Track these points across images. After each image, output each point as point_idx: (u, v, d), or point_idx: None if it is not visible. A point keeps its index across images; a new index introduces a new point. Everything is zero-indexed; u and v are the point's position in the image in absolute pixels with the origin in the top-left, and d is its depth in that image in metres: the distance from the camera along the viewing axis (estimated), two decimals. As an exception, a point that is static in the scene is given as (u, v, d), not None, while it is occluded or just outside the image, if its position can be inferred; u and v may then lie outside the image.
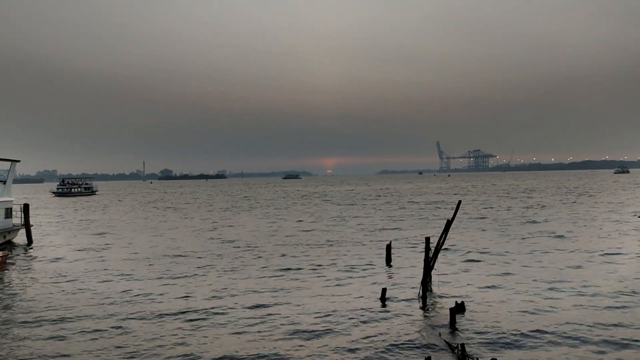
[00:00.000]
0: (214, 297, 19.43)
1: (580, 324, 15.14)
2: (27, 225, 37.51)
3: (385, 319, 16.21)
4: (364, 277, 22.68)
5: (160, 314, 17.12)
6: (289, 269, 25.02)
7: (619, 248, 28.54)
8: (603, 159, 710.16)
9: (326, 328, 15.35)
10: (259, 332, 15.11)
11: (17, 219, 39.25)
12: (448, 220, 18.89)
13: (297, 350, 13.59)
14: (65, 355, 13.47)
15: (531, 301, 17.83)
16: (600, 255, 26.47)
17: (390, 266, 25.04)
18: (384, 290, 18.72)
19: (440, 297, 18.70)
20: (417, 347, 13.58)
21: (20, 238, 38.58)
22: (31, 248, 34.48)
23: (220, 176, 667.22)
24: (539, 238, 33.76)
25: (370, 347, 13.72)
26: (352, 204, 76.89)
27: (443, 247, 21.10)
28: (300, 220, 51.73)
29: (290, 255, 29.31)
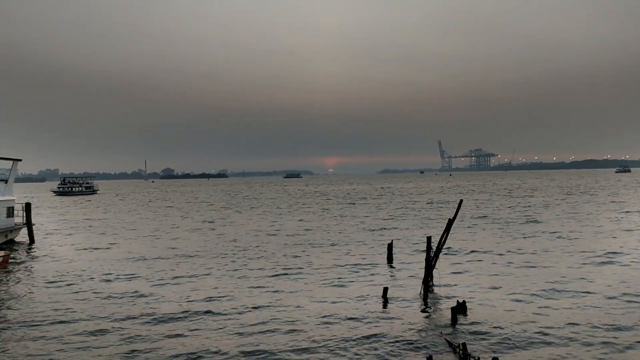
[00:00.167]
0: (214, 297, 19.43)
1: (583, 325, 15.10)
2: (28, 224, 37.55)
3: (386, 318, 16.20)
4: (365, 276, 22.67)
5: (162, 314, 17.12)
6: (290, 268, 25.01)
7: (621, 247, 28.44)
8: (605, 158, 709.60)
9: (327, 327, 15.34)
10: (260, 332, 15.10)
11: (18, 217, 39.30)
12: (449, 219, 18.87)
13: (298, 349, 13.59)
14: (66, 356, 13.49)
15: (533, 301, 17.80)
16: (604, 255, 26.36)
17: (392, 265, 25.02)
18: (385, 290, 18.71)
19: (442, 296, 18.68)
20: (419, 347, 13.56)
21: (21, 237, 38.63)
22: (33, 247, 34.52)
23: (221, 175, 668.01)
24: (541, 237, 33.72)
25: (371, 346, 13.71)
26: (353, 203, 76.86)
27: (444, 247, 21.08)
28: (301, 220, 51.73)
29: (291, 254, 29.30)
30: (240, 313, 17.05)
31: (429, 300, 18.08)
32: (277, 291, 20.10)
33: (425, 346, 13.59)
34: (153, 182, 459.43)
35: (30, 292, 20.70)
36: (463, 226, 40.72)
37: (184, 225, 48.45)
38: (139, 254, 30.52)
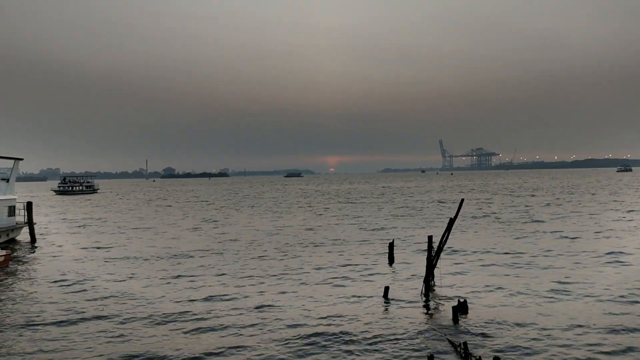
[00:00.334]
0: (216, 297, 19.43)
1: (585, 325, 15.07)
2: (30, 223, 37.59)
3: (387, 317, 16.20)
4: (366, 275, 22.67)
5: (162, 314, 17.13)
6: (291, 267, 25.03)
7: (626, 247, 28.32)
8: (606, 157, 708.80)
9: (328, 327, 15.34)
10: (260, 332, 15.11)
11: (20, 216, 39.35)
12: (451, 218, 18.86)
13: (300, 348, 13.60)
14: (67, 356, 13.51)
15: (534, 301, 17.78)
16: (607, 254, 26.24)
17: (393, 265, 25.02)
18: (386, 289, 18.71)
19: (443, 295, 18.68)
20: (420, 346, 13.56)
21: (23, 236, 38.68)
22: (34, 246, 34.57)
23: (222, 174, 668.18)
24: (543, 237, 33.69)
25: (372, 345, 13.71)
26: (355, 203, 76.86)
27: (446, 246, 21.07)
28: (301, 219, 51.74)
29: (291, 253, 29.32)
30: (240, 314, 17.06)
31: (430, 300, 18.08)
32: (279, 292, 20.10)
33: (426, 345, 13.58)
34: (154, 181, 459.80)
35: (31, 292, 20.72)
36: (464, 225, 40.70)
37: (184, 225, 48.48)
38: (139, 253, 30.55)
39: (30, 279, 23.44)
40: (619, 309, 16.51)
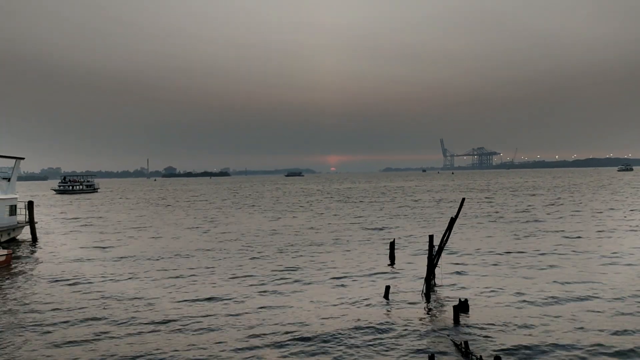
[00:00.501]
0: (216, 298, 19.43)
1: (586, 325, 15.08)
2: (31, 222, 37.63)
3: (388, 316, 16.20)
4: (367, 274, 22.66)
5: (162, 314, 17.15)
6: (291, 267, 25.03)
7: (629, 247, 28.28)
8: (607, 156, 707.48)
9: (329, 326, 15.34)
10: (260, 332, 15.12)
11: (21, 216, 39.39)
12: (452, 218, 18.85)
13: (300, 347, 13.60)
14: (69, 356, 13.52)
15: (535, 301, 17.76)
16: (609, 254, 26.16)
17: (394, 264, 25.01)
18: (387, 288, 18.70)
19: (444, 294, 18.67)
20: (421, 345, 13.55)
21: (24, 235, 38.72)
22: (35, 246, 34.60)
23: (223, 174, 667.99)
24: (545, 237, 33.66)
25: (373, 344, 13.71)
26: (355, 202, 76.85)
27: (446, 245, 21.06)
28: (301, 218, 51.74)
29: (292, 253, 29.32)
30: (240, 314, 17.06)
31: (431, 299, 18.07)
32: (279, 292, 20.10)
33: (427, 344, 13.58)
34: (155, 180, 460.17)
35: (33, 292, 20.75)
36: (465, 225, 40.68)
37: (184, 224, 48.50)
38: (140, 252, 30.57)
39: (31, 278, 23.46)
40: (621, 309, 16.49)
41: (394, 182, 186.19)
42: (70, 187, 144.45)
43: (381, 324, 15.43)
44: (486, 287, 19.65)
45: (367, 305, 17.55)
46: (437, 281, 20.00)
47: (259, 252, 29.61)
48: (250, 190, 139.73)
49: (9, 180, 37.43)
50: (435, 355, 12.49)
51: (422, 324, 15.38)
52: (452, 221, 18.80)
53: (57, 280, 22.65)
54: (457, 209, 19.77)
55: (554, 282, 20.29)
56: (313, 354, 13.11)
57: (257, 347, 13.67)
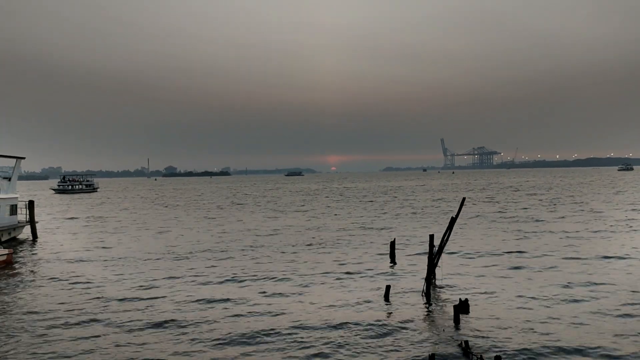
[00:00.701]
0: (217, 298, 19.43)
1: (588, 326, 15.06)
2: (32, 222, 37.67)
3: (389, 316, 16.20)
4: (368, 274, 22.67)
5: (162, 315, 17.16)
6: (292, 267, 25.04)
7: (632, 247, 28.24)
8: (608, 156, 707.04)
9: (330, 326, 15.34)
10: (260, 332, 15.12)
11: (22, 215, 39.42)
12: (452, 217, 18.85)
13: (302, 347, 13.60)
14: (69, 356, 13.53)
15: (536, 301, 17.76)
16: (611, 255, 26.07)
17: (395, 263, 25.00)
18: (388, 287, 18.70)
19: (444, 294, 18.67)
20: (421, 345, 13.56)
21: (24, 235, 38.74)
22: (36, 245, 34.62)
23: (224, 173, 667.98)
24: (546, 237, 33.64)
25: (374, 343, 13.71)
26: (356, 202, 76.83)
27: (447, 245, 21.05)
28: (301, 219, 51.74)
29: (292, 253, 29.33)
30: (241, 314, 17.07)
31: (431, 299, 18.06)
32: (279, 292, 20.10)
33: (427, 344, 13.57)
34: (156, 180, 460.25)
35: (34, 291, 20.76)
36: (466, 224, 40.67)
37: (184, 224, 48.51)
38: (140, 252, 30.58)
39: (32, 277, 23.48)
40: (622, 311, 16.47)
41: (394, 182, 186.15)
42: (70, 187, 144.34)
43: (382, 323, 15.43)
44: (487, 287, 19.64)
45: (367, 304, 17.55)
46: (438, 281, 19.99)
47: (259, 252, 29.61)
48: (251, 190, 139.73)
49: (9, 180, 37.46)
50: (436, 355, 12.49)
51: (423, 323, 15.38)
52: (453, 221, 18.80)
53: (57, 280, 22.67)
54: (457, 209, 19.76)
55: (555, 282, 20.28)
56: (313, 354, 13.11)
57: (257, 347, 13.68)
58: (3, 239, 35.11)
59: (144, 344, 14.01)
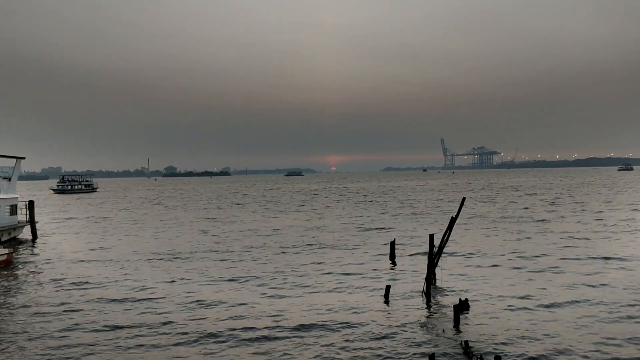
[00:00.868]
0: (217, 298, 19.44)
1: (588, 326, 15.07)
2: (32, 222, 37.66)
3: (389, 315, 16.20)
4: (368, 274, 22.66)
5: (164, 316, 17.16)
6: (292, 267, 25.04)
7: (634, 248, 28.20)
8: (608, 156, 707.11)
9: (330, 325, 15.35)
10: (259, 332, 15.12)
11: (22, 215, 39.41)
12: (452, 217, 18.85)
13: (303, 346, 13.60)
14: (69, 356, 13.53)
15: (536, 301, 17.75)
16: (612, 256, 25.95)
17: (395, 263, 25.00)
18: (387, 287, 18.70)
19: (444, 294, 18.68)
20: (421, 344, 13.55)
21: (24, 235, 38.73)
22: (36, 245, 34.61)
23: (224, 173, 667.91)
24: (546, 237, 33.63)
25: (374, 343, 13.71)
26: (356, 201, 76.83)
27: (447, 245, 21.05)
28: (302, 218, 51.73)
29: (292, 253, 29.32)
30: (240, 315, 17.07)
31: (431, 298, 18.06)
32: (279, 292, 20.11)
33: (427, 344, 13.58)
34: (156, 179, 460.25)
35: (34, 291, 20.76)
36: (466, 224, 40.66)
37: (185, 224, 48.50)
38: (140, 252, 30.58)
39: (32, 277, 23.47)
40: (623, 312, 16.47)
41: (394, 182, 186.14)
42: (69, 187, 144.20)
43: (382, 323, 15.43)
44: (487, 287, 19.63)
45: (367, 304, 17.55)
46: (438, 281, 19.99)
47: (259, 252, 29.61)
48: (251, 190, 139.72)
49: (9, 180, 37.45)
50: (436, 355, 12.49)
51: (423, 323, 15.38)
52: (453, 220, 18.80)
53: (57, 280, 22.66)
54: (457, 209, 19.76)
55: (555, 282, 20.28)
56: (313, 354, 13.11)
57: (258, 347, 13.68)
58: (3, 239, 35.11)
59: (144, 344, 14.01)
